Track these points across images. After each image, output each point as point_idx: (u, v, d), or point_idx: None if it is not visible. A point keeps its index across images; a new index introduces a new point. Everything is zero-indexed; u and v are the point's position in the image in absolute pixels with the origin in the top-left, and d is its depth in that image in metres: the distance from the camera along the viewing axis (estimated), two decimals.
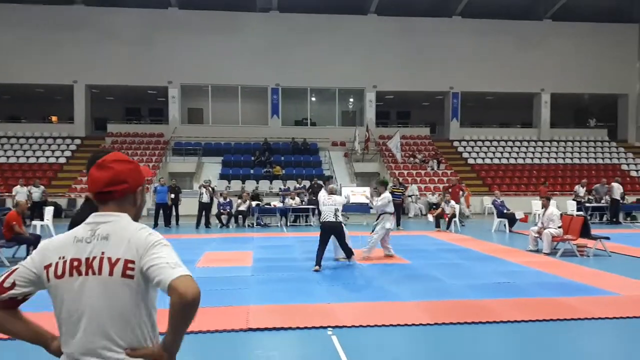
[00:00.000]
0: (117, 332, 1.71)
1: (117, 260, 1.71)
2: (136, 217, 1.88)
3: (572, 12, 27.88)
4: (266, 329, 5.34)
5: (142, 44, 26.53)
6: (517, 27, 28.49)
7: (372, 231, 10.13)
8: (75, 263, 1.74)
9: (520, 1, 28.35)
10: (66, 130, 27.10)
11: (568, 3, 27.07)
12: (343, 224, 9.09)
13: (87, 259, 1.73)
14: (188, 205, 18.03)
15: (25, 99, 28.79)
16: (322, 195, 9.16)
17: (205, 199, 16.42)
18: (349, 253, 9.15)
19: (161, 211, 16.53)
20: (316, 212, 18.11)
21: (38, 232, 12.69)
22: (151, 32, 26.66)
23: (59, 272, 1.74)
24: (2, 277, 1.77)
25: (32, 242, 9.87)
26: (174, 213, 16.92)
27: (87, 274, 1.72)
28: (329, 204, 8.92)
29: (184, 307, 1.61)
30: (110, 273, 1.70)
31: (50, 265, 1.75)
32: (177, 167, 24.54)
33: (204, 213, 16.50)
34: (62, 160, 24.86)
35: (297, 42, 27.29)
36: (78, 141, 26.37)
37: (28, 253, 9.80)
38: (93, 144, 26.22)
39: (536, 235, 11.09)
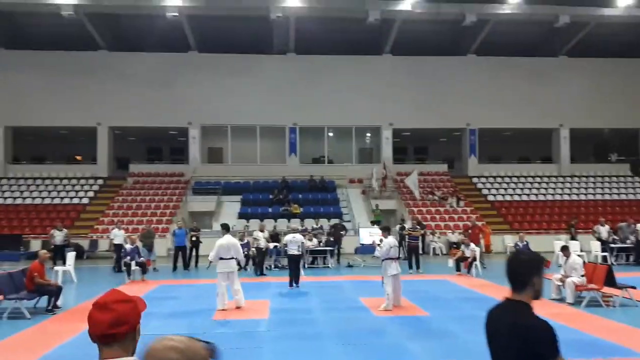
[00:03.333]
0: None
1: None
2: (134, 351, 1.89)
3: (588, 48, 27.89)
4: None
5: (163, 86, 27.27)
6: (533, 64, 28.58)
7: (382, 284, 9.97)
8: None
9: (534, 38, 28.48)
10: (89, 170, 27.75)
11: (583, 39, 27.12)
12: (300, 255, 13.07)
13: None
14: (209, 246, 18.07)
15: (49, 140, 29.66)
16: (289, 235, 12.90)
17: (263, 244, 16.03)
18: (297, 279, 12.46)
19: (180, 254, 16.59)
20: (335, 252, 18.09)
21: (60, 277, 12.87)
22: (172, 75, 27.44)
23: None
24: None
25: (54, 293, 9.99)
26: (193, 254, 17.01)
27: None
28: (294, 241, 12.54)
29: None
30: None
31: None
32: (196, 206, 24.77)
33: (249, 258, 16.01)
34: (85, 200, 25.33)
35: (313, 82, 27.76)
36: (101, 181, 26.93)
37: (49, 304, 9.94)
38: (115, 184, 26.76)
39: (559, 283, 10.84)
